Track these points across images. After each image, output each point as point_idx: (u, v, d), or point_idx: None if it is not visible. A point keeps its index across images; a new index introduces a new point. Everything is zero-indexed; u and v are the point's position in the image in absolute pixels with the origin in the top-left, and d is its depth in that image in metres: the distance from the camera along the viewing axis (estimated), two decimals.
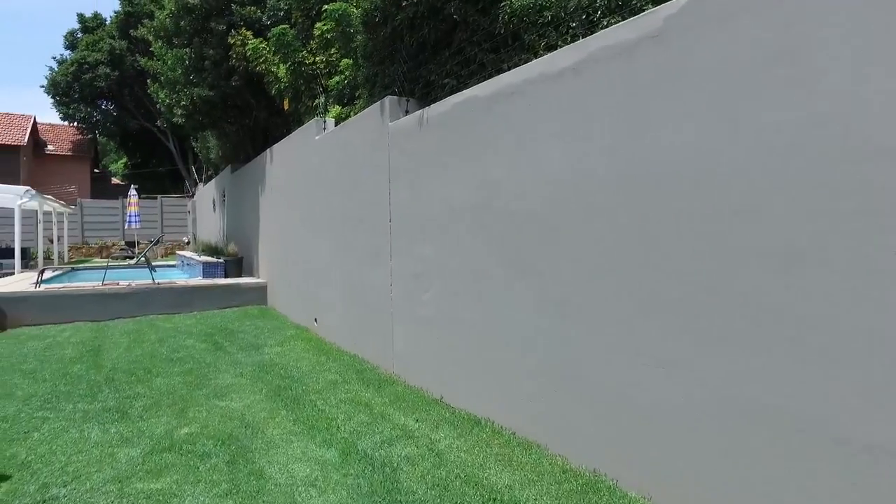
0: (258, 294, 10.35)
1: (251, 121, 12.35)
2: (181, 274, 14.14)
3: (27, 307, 8.85)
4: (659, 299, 2.91)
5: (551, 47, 4.16)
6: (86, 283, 10.09)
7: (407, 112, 5.54)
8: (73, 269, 12.86)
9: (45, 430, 4.28)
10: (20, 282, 10.95)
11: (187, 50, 11.01)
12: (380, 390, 5.06)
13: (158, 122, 14.37)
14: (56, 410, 4.71)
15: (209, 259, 11.45)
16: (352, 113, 7.58)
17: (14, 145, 27.02)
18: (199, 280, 10.83)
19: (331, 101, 8.50)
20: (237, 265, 11.35)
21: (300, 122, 9.30)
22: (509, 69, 4.18)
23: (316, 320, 7.76)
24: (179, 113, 11.80)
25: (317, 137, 7.69)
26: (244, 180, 12.60)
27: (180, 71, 11.16)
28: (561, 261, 3.51)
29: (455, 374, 4.62)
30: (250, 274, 11.67)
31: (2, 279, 12.20)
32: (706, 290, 2.68)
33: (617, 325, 3.15)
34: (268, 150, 10.23)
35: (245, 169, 12.55)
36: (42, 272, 9.33)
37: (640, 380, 3.03)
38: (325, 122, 7.76)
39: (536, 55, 4.22)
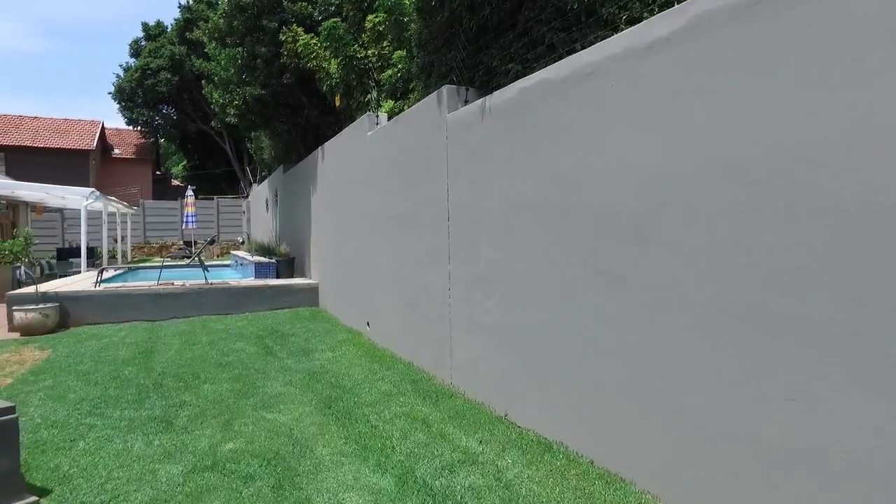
0: (309, 295, 10.18)
1: (303, 119, 12.23)
2: (234, 274, 14.21)
3: (88, 306, 8.95)
4: (788, 316, 2.37)
5: (633, 21, 3.65)
6: (142, 282, 10.18)
7: (466, 102, 5.12)
8: (129, 268, 13.13)
9: (91, 440, 4.09)
10: (84, 280, 11.17)
11: (240, 49, 10.96)
12: (437, 404, 4.66)
13: (213, 123, 14.50)
14: (103, 417, 4.54)
15: (261, 259, 11.40)
16: (405, 107, 7.24)
17: (84, 150, 28.24)
18: (251, 280, 10.76)
19: (383, 95, 8.19)
20: (289, 266, 11.23)
21: (352, 120, 9.05)
22: (583, 48, 3.69)
23: (368, 324, 7.45)
24: (232, 113, 11.80)
25: (369, 133, 7.38)
26: (296, 180, 12.51)
27: (233, 70, 11.14)
28: (653, 266, 3.00)
29: (522, 389, 4.16)
30: (302, 274, 11.54)
31: (68, 277, 12.53)
32: (868, 305, 2.13)
33: (726, 343, 2.62)
34: (319, 149, 10.03)
35: (296, 168, 12.45)
36: (101, 272, 9.44)
37: (759, 413, 2.49)
38: (377, 117, 7.44)
39: (616, 31, 3.72)
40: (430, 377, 5.48)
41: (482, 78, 5.06)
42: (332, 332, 7.91)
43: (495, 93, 4.45)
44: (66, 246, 22.84)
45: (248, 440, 3.98)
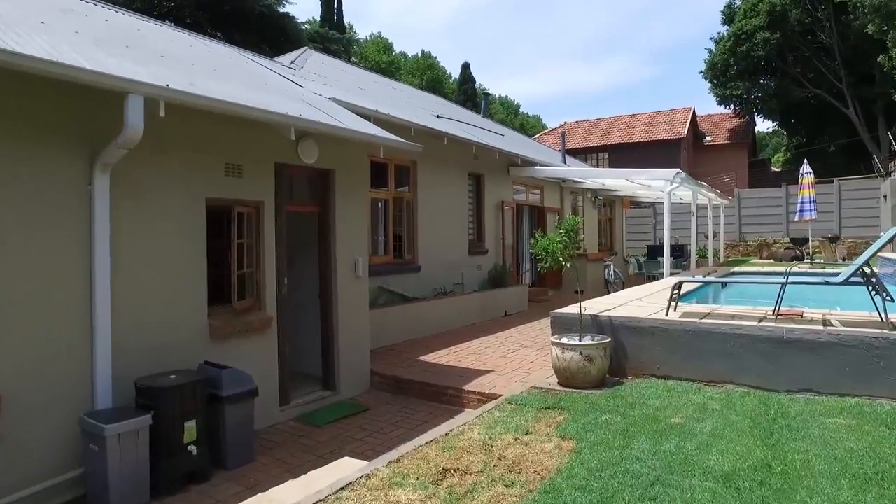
0: None
1: None
2: None
3: (654, 345, 5.31)
4: None
5: None
6: (743, 309, 5.82)
7: None
8: (722, 282, 8.85)
9: None
10: (659, 294, 7.80)
11: None
12: None
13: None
14: None
15: None
16: None
17: (676, 139, 26.51)
18: None
19: None
20: None
21: None
22: None
23: None
24: None
25: None
26: None
27: None
28: None
29: None
30: None
31: (637, 288, 9.56)
32: None
33: None
34: None
35: None
36: (678, 288, 5.72)
37: None
38: None
39: None
40: None
41: None
42: None
43: None
44: (657, 243, 21.19)
45: None
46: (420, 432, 5.16)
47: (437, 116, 11.35)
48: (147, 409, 3.97)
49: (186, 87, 4.22)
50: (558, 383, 5.24)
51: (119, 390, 4.14)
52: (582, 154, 27.54)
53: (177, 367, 4.42)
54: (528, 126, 62.98)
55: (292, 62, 9.45)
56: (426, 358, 7.23)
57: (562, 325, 5.70)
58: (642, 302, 6.93)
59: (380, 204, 9.12)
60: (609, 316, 5.62)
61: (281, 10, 23.31)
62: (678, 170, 11.12)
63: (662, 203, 22.08)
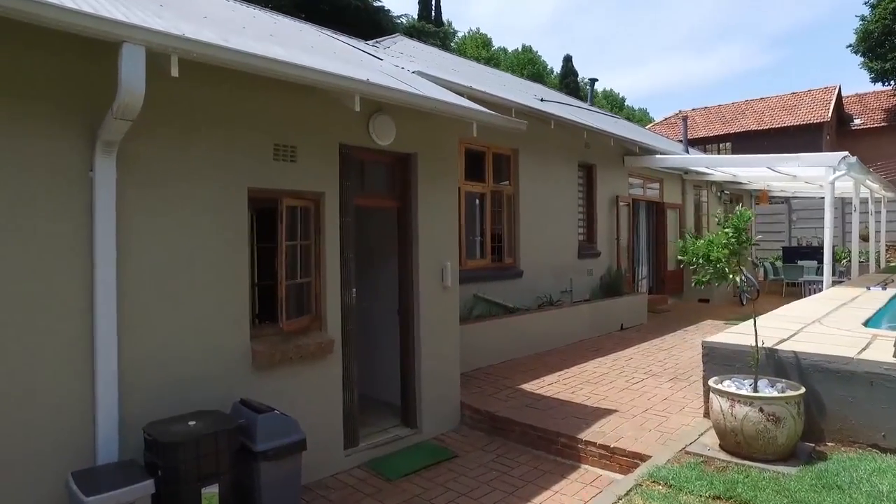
0: None
1: None
2: None
3: (878, 400, 3.59)
4: None
5: None
6: None
7: None
8: None
9: None
10: (841, 311, 5.91)
11: None
12: None
13: None
14: None
15: None
16: None
17: (817, 123, 22.98)
18: None
19: None
20: None
21: None
22: None
23: None
24: None
25: None
26: None
27: None
28: None
29: None
30: None
31: (802, 303, 7.55)
32: None
33: None
34: None
35: None
36: None
37: None
38: None
39: None
40: None
41: None
42: None
43: None
44: (793, 244, 18.23)
45: None
46: (521, 500, 3.85)
47: (542, 100, 9.90)
48: (155, 469, 2.95)
49: (215, 40, 3.16)
50: (720, 446, 3.68)
51: (129, 438, 3.16)
52: (700, 145, 24.69)
53: (205, 407, 3.39)
54: (634, 120, 59.16)
55: (376, 42, 8.41)
56: (529, 386, 5.86)
57: (721, 362, 4.10)
58: (823, 325, 5.12)
59: (476, 199, 7.85)
60: (794, 352, 3.94)
61: (376, 4, 22.80)
62: (845, 153, 8.89)
63: (799, 198, 18.99)
